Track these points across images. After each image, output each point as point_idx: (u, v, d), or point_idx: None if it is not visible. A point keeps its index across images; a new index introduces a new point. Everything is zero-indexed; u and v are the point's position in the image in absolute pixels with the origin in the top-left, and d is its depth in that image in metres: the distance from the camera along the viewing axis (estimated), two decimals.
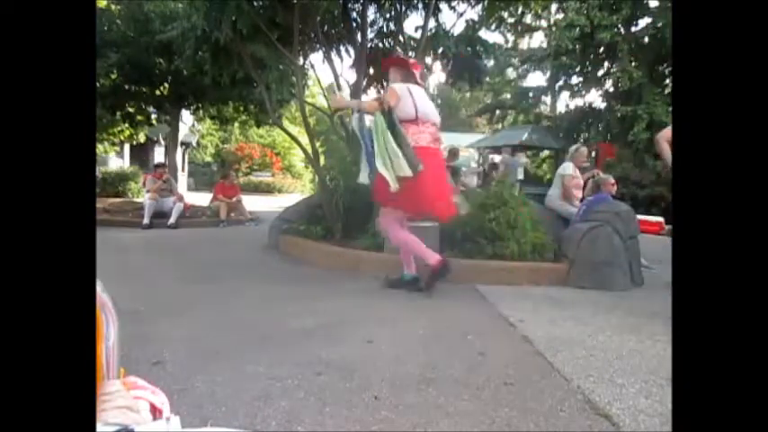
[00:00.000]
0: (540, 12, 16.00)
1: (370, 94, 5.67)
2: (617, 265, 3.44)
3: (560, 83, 16.62)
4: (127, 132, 10.54)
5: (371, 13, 5.25)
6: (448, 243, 3.77)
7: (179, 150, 11.95)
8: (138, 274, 3.30)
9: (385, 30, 5.46)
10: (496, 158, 11.54)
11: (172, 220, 6.43)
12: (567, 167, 4.68)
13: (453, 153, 7.17)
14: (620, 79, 12.98)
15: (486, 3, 5.56)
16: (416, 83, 2.93)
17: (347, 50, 5.49)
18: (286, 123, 10.37)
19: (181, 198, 6.88)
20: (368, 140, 2.78)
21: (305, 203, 5.78)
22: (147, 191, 6.68)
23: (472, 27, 5.54)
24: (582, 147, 5.11)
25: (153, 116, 9.96)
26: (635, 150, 11.95)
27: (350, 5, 5.07)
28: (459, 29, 5.83)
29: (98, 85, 7.18)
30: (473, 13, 6.21)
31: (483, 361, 1.86)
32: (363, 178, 2.94)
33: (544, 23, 17.28)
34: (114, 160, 13.72)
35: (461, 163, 7.69)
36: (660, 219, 8.58)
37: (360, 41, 5.08)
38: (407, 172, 2.62)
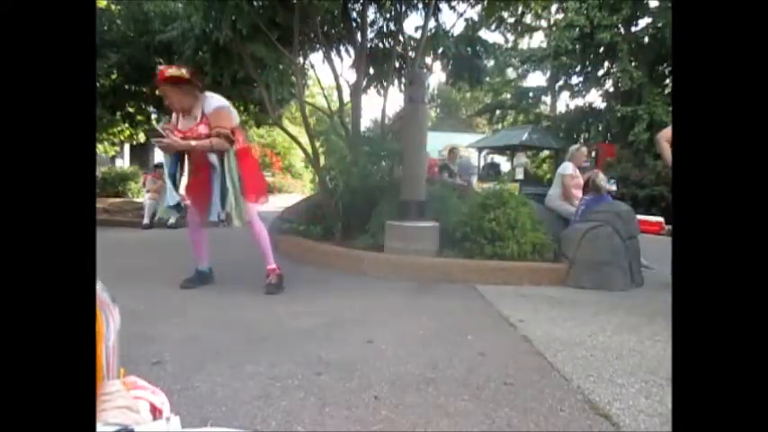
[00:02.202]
0: (540, 12, 16.03)
1: (370, 95, 5.68)
2: (617, 265, 3.44)
3: (560, 83, 16.63)
4: (127, 132, 10.53)
5: (371, 13, 5.26)
6: (448, 243, 3.77)
7: None
8: (137, 274, 3.30)
9: (385, 30, 5.47)
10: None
11: (172, 220, 6.43)
12: (567, 167, 4.68)
13: (453, 153, 7.17)
14: (620, 79, 12.99)
15: (486, 3, 5.57)
16: (202, 89, 2.83)
17: (347, 50, 5.50)
18: (286, 123, 10.37)
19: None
20: (220, 178, 2.79)
21: (305, 203, 5.78)
22: (147, 191, 6.68)
23: (472, 27, 5.55)
24: (582, 147, 5.12)
25: (153, 116, 9.95)
26: (635, 150, 11.96)
27: (350, 5, 5.07)
28: (459, 29, 5.84)
29: (98, 85, 7.18)
30: (473, 13, 6.22)
31: (483, 361, 1.86)
32: (214, 216, 2.86)
33: (544, 23, 17.29)
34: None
35: (462, 162, 7.73)
36: (660, 219, 8.57)
37: (360, 41, 5.08)
38: (242, 213, 2.81)
